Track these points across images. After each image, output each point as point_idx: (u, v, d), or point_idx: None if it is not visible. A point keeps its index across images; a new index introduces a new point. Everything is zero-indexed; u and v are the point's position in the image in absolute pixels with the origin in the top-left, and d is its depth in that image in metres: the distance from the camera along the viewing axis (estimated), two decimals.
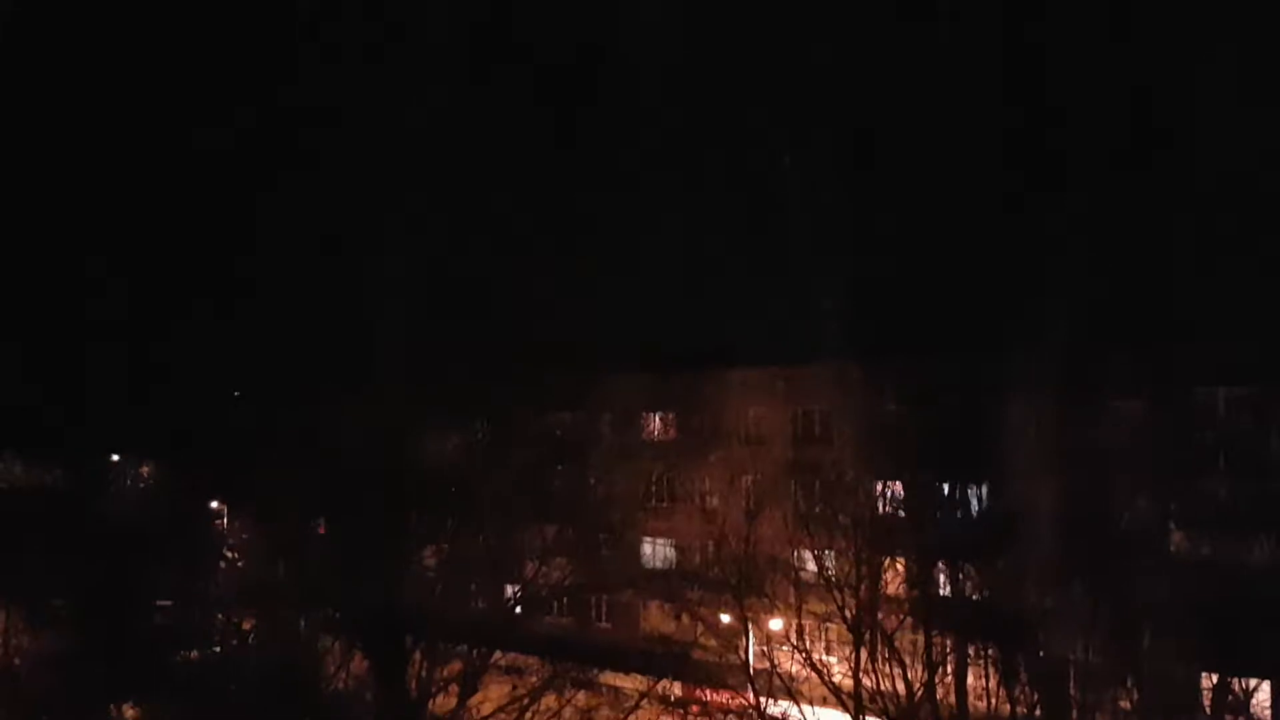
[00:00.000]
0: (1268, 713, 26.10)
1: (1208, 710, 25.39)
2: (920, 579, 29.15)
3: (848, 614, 29.28)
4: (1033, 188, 30.12)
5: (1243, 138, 25.98)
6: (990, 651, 28.07)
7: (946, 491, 29.34)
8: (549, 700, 29.99)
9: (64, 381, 31.38)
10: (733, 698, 31.82)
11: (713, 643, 32.03)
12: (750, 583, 30.97)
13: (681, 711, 32.92)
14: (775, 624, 31.49)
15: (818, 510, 31.13)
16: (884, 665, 28.67)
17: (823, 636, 32.03)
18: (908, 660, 28.46)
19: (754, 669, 30.89)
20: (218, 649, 30.79)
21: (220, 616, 31.05)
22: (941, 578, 29.18)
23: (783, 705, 29.80)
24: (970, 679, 28.66)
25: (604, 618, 36.57)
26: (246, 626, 30.41)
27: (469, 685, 29.27)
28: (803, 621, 30.31)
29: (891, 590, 29.78)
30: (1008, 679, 26.92)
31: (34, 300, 32.81)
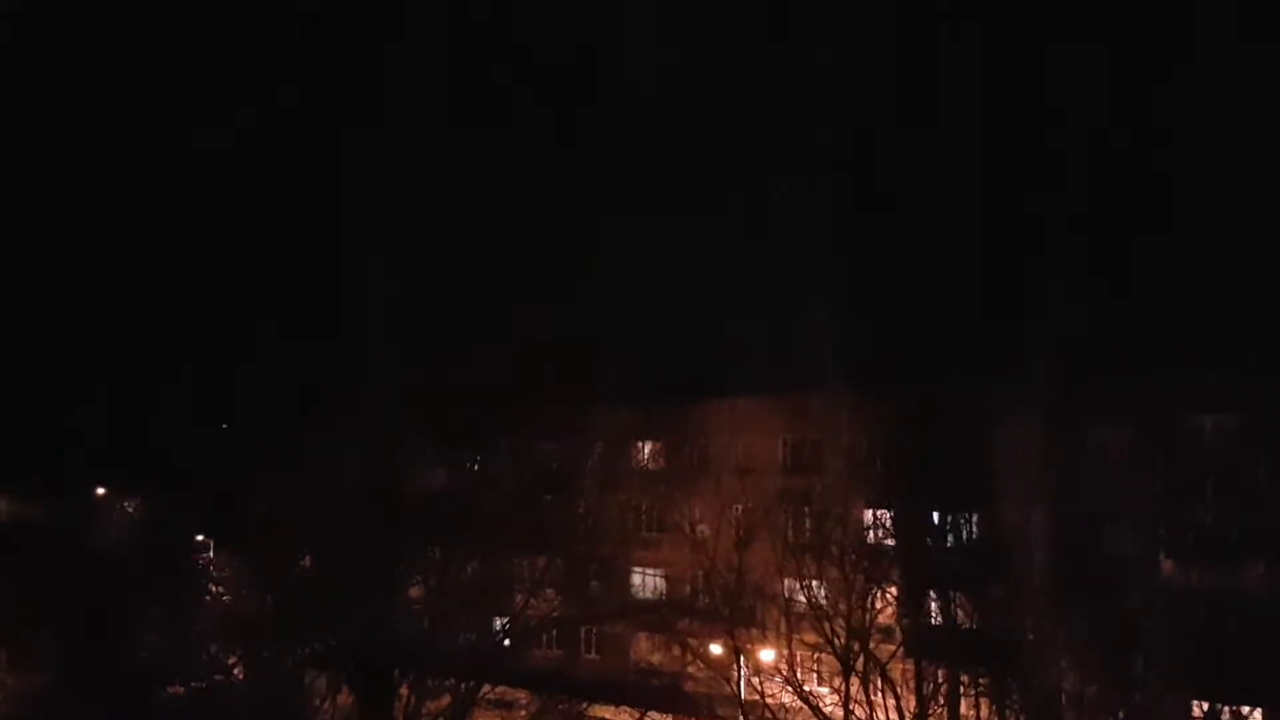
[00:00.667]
0: None
1: None
2: (911, 608, 29.02)
3: (838, 644, 29.11)
4: (1024, 217, 30.27)
5: (1233, 163, 26.26)
6: (983, 681, 27.92)
7: (936, 519, 29.26)
8: None
9: (49, 413, 31.20)
10: None
11: (703, 674, 31.80)
12: (741, 613, 30.81)
13: None
14: (766, 654, 31.28)
15: (808, 539, 31.03)
16: (876, 695, 28.47)
17: (815, 667, 31.80)
18: (900, 690, 28.28)
19: (745, 700, 30.63)
20: (203, 684, 30.46)
21: (206, 651, 30.76)
22: (933, 606, 29.07)
23: None
24: (963, 708, 28.46)
25: (593, 649, 36.27)
26: (232, 661, 30.13)
27: (457, 719, 28.97)
28: (794, 652, 30.12)
29: (883, 620, 29.62)
30: (1000, 708, 26.75)
31: (19, 330, 32.58)
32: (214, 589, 32.21)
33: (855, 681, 28.86)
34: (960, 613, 28.37)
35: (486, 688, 30.15)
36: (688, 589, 34.43)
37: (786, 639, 30.17)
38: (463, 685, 29.29)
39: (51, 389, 31.61)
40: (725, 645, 31.53)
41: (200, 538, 33.73)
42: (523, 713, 30.78)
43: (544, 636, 34.04)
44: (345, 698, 29.11)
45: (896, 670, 29.03)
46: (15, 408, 31.06)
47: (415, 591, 30.60)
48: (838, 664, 29.50)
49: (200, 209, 33.50)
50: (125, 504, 35.39)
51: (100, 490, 35.99)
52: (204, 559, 33.88)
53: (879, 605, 29.47)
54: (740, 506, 32.71)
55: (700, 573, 32.50)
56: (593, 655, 36.13)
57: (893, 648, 29.08)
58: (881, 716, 28.09)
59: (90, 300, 32.24)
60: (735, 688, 30.98)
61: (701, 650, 31.99)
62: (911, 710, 27.94)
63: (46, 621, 30.25)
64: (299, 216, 31.35)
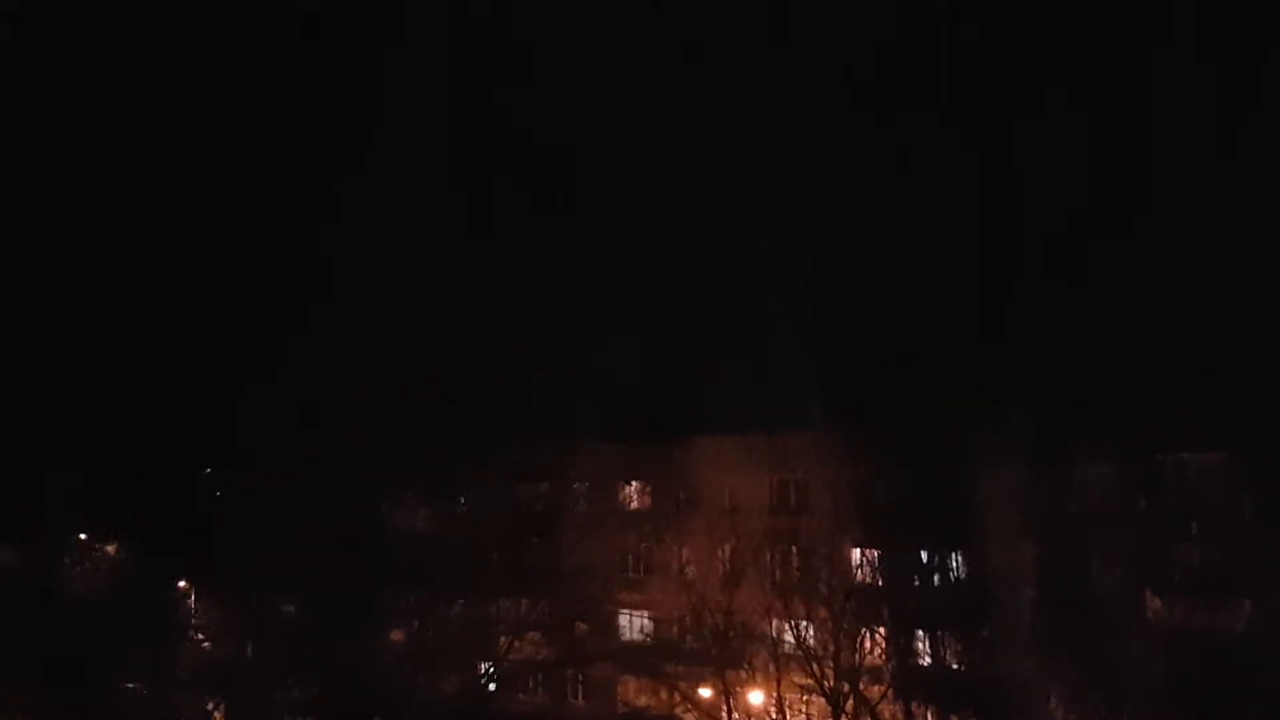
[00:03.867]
0: None
1: None
2: (900, 649, 28.77)
3: (827, 685, 28.85)
4: (1006, 258, 30.23)
5: (1218, 200, 26.39)
6: None
7: (924, 560, 29.06)
8: None
9: (28, 460, 30.92)
10: None
11: (691, 717, 31.44)
12: (729, 654, 30.54)
13: None
14: (755, 697, 30.95)
15: (796, 579, 30.81)
16: None
17: (804, 709, 31.46)
18: None
19: None
20: None
21: (186, 698, 30.41)
22: (921, 647, 28.83)
23: None
24: None
25: (580, 694, 35.80)
26: (212, 707, 29.78)
27: None
28: (783, 694, 29.82)
29: (871, 660, 29.35)
30: None
31: None
32: (194, 635, 31.86)
33: None
34: (949, 653, 28.12)
35: None
36: (675, 630, 34.06)
37: (775, 681, 29.88)
38: None
39: (30, 435, 31.29)
40: (714, 688, 31.20)
41: (181, 584, 33.38)
42: None
43: (529, 680, 33.61)
44: None
45: (886, 712, 28.72)
46: None
47: (398, 635, 30.30)
48: (827, 706, 29.22)
49: (183, 236, 32.95)
50: (105, 550, 35.05)
51: (80, 536, 35.61)
52: (185, 605, 33.54)
53: (868, 646, 29.22)
54: (727, 547, 32.50)
55: (688, 614, 32.20)
56: (579, 700, 35.63)
57: (882, 689, 28.78)
58: None
59: (68, 343, 31.85)
60: None
61: (690, 693, 31.65)
62: None
63: (26, 669, 29.89)
64: (279, 253, 31.13)
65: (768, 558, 32.05)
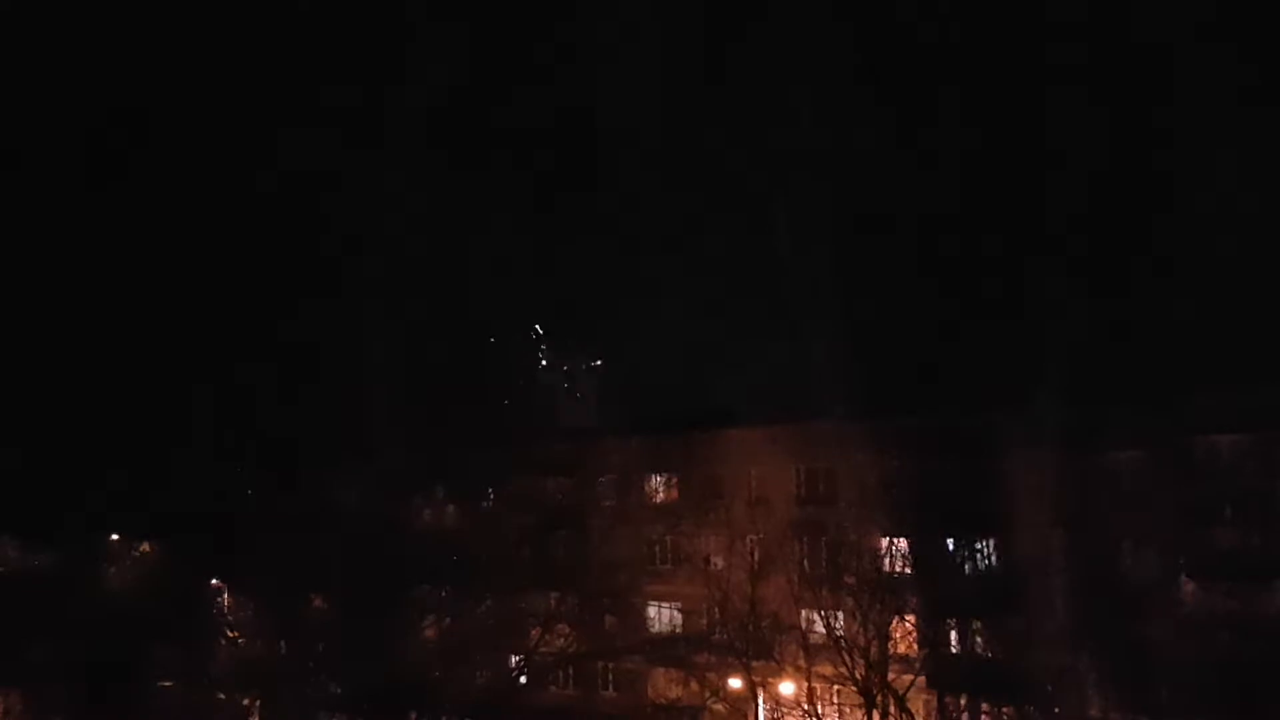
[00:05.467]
0: None
1: None
2: (930, 638, 28.66)
3: (858, 675, 28.76)
4: (1034, 245, 30.03)
5: (1242, 186, 26.15)
6: (1005, 711, 27.51)
7: (954, 548, 28.92)
8: None
9: (61, 461, 31.22)
10: None
11: (721, 708, 31.43)
12: (758, 646, 30.49)
13: None
14: (785, 688, 30.89)
15: (824, 570, 30.73)
16: None
17: (834, 699, 31.40)
18: None
19: None
20: None
21: (222, 695, 30.67)
22: (952, 636, 28.70)
23: None
24: None
25: (610, 686, 35.84)
26: (247, 705, 30.00)
27: None
28: (813, 684, 29.76)
29: (902, 650, 29.25)
30: None
31: (32, 380, 32.41)
32: (229, 633, 32.10)
33: (876, 714, 28.48)
34: (980, 642, 27.99)
35: None
36: (704, 622, 34.04)
37: (805, 672, 29.82)
38: None
39: (62, 437, 31.60)
40: (743, 679, 31.17)
41: (214, 582, 33.64)
42: None
43: (560, 674, 33.69)
44: None
45: (918, 700, 28.63)
46: (29, 457, 31.06)
47: (429, 630, 30.43)
48: (857, 696, 29.13)
49: (204, 237, 33.15)
50: (138, 550, 35.34)
51: (114, 537, 35.92)
52: (219, 604, 33.79)
53: (898, 635, 29.12)
54: (754, 537, 32.43)
55: (716, 606, 32.17)
56: (610, 692, 35.67)
57: (913, 678, 28.68)
58: None
59: (101, 346, 32.08)
60: None
61: (720, 685, 31.62)
62: None
63: (63, 668, 30.20)
64: (305, 253, 31.28)
65: (796, 548, 31.98)
